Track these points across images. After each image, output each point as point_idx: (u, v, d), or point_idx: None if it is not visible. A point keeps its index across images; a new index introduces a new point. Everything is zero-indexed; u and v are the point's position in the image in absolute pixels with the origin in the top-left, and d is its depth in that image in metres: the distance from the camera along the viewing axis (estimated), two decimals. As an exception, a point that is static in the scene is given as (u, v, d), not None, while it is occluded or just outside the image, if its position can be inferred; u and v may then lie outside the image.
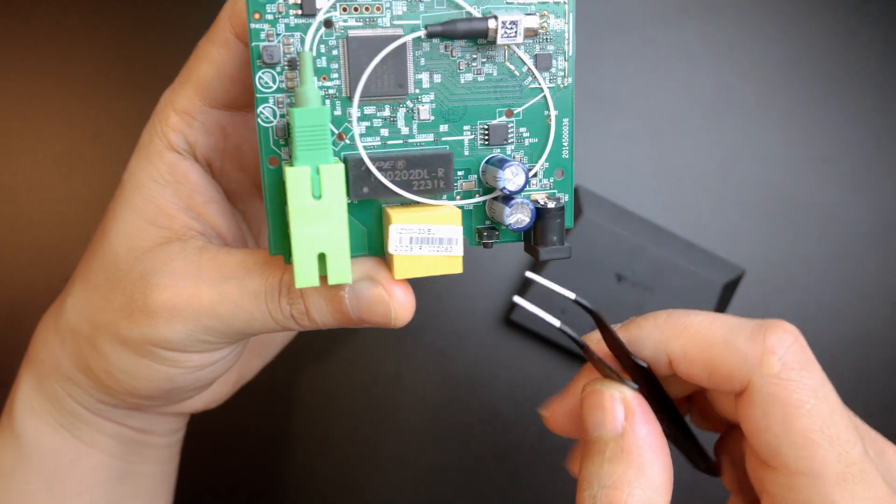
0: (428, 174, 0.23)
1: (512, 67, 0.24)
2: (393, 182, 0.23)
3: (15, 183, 0.42)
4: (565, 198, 0.25)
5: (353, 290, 0.24)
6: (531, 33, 0.23)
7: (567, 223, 0.25)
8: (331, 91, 0.23)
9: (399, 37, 0.22)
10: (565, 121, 0.25)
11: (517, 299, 0.23)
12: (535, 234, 0.24)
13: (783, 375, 0.21)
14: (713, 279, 0.41)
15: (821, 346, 0.43)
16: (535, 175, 0.25)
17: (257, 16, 0.22)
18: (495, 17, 0.22)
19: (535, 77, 0.24)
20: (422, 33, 0.22)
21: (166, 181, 0.26)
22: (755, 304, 0.43)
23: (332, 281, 0.22)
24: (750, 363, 0.21)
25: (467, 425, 0.44)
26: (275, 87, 0.22)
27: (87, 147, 0.42)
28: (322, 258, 0.22)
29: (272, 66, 0.22)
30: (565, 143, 0.25)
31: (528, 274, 0.24)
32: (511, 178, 0.23)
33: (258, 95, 0.22)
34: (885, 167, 0.43)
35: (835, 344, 0.43)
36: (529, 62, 0.24)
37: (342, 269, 0.22)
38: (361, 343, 0.43)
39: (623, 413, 0.22)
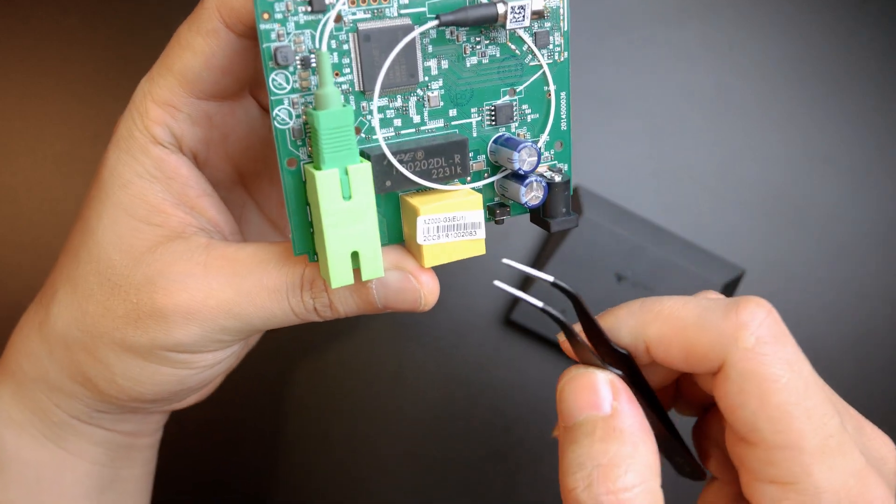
0: (446, 161, 0.24)
1: (513, 47, 0.24)
2: (413, 173, 0.23)
3: (15, 183, 0.42)
4: (565, 167, 0.26)
5: (381, 282, 0.24)
6: (537, 15, 0.23)
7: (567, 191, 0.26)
8: (344, 86, 0.23)
9: (409, 26, 0.23)
10: (563, 94, 0.25)
11: (498, 283, 0.23)
12: (544, 207, 0.25)
13: (757, 349, 0.20)
14: (713, 279, 0.41)
15: (821, 345, 0.43)
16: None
17: (266, 16, 0.21)
18: (504, 3, 0.23)
19: (535, 54, 0.24)
20: (434, 24, 0.22)
21: (154, 177, 0.25)
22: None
23: (365, 277, 0.23)
24: (724, 340, 0.21)
25: (467, 425, 0.43)
26: (289, 87, 0.22)
27: (87, 147, 0.42)
28: (354, 255, 0.22)
29: (285, 67, 0.22)
30: (563, 116, 0.26)
31: (506, 261, 0.24)
32: (526, 159, 0.24)
33: (273, 98, 0.22)
34: (885, 167, 0.43)
35: (835, 344, 0.43)
36: (530, 41, 0.24)
37: (375, 265, 0.23)
38: (361, 341, 0.43)
39: (611, 394, 0.22)
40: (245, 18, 0.23)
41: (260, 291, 0.24)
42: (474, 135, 0.25)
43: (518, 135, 0.25)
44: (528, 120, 0.25)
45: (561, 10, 0.24)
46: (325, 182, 0.21)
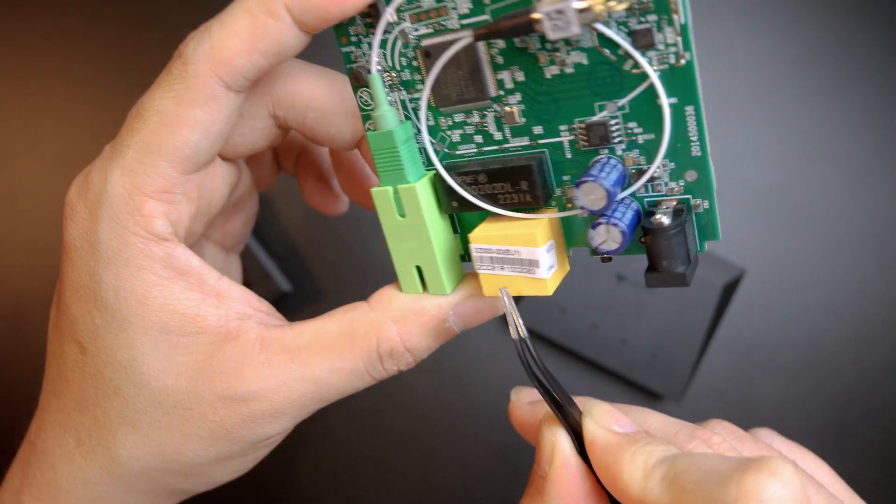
0: (512, 187, 0.20)
1: (605, 52, 0.18)
2: (479, 196, 0.21)
3: (15, 182, 0.42)
4: (705, 205, 0.19)
5: (457, 316, 0.22)
6: (592, 18, 0.17)
7: (709, 236, 0.19)
8: (421, 102, 0.21)
9: (458, 40, 0.19)
10: (689, 109, 0.18)
11: (503, 292, 0.21)
12: (648, 253, 0.19)
13: None
14: (713, 279, 0.39)
15: (821, 345, 0.43)
16: (652, 179, 0.19)
17: (344, 39, 0.21)
18: (538, 9, 0.17)
19: (636, 60, 0.18)
20: (470, 38, 0.19)
21: (169, 279, 0.22)
22: (755, 304, 0.43)
23: (431, 292, 0.22)
24: None
25: (467, 424, 0.42)
26: (374, 103, 0.22)
27: (87, 147, 0.39)
28: (420, 270, 0.22)
29: (365, 85, 0.22)
30: (693, 138, 0.18)
31: (503, 290, 0.21)
32: (586, 196, 0.18)
33: (362, 113, 0.23)
34: (885, 167, 0.43)
35: (835, 344, 0.43)
36: (625, 43, 0.17)
37: (437, 282, 0.22)
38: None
39: (549, 458, 0.20)
40: (248, 72, 0.20)
41: (338, 376, 0.22)
42: (568, 155, 0.20)
43: (626, 160, 0.19)
44: (640, 142, 0.19)
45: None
46: (379, 198, 0.22)
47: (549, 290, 0.20)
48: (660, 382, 0.40)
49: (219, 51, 0.20)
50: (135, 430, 0.23)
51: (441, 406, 0.43)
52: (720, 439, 0.20)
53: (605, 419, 0.19)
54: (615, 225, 0.18)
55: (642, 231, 0.19)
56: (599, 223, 0.19)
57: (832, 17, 0.42)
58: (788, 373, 0.42)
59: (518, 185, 0.20)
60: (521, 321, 0.20)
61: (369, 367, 0.22)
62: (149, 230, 0.21)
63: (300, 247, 0.43)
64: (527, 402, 0.24)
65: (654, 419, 0.21)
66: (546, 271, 0.20)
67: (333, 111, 0.23)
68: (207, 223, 0.25)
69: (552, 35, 0.17)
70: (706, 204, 0.19)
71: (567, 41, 0.18)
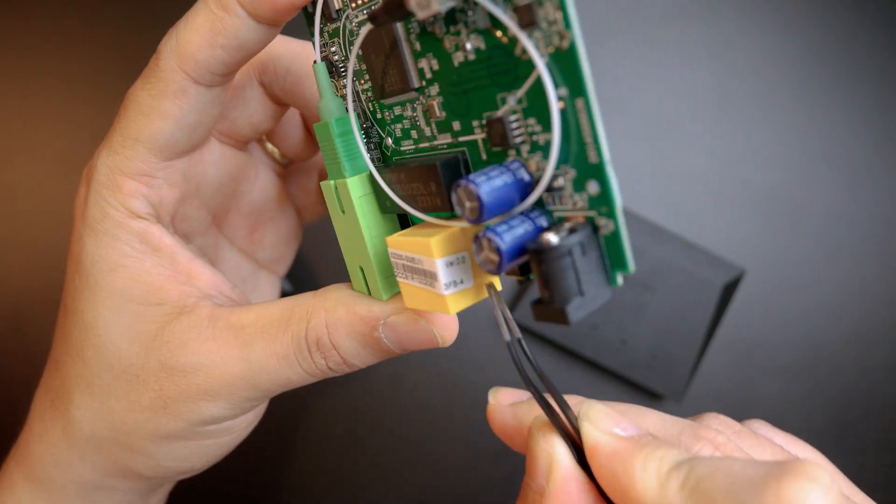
0: (424, 189, 0.19)
1: (497, 33, 0.16)
2: (403, 196, 0.20)
3: (15, 182, 0.42)
4: (610, 226, 0.15)
5: (388, 328, 0.21)
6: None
7: (618, 266, 0.16)
8: (369, 94, 0.21)
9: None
10: (579, 103, 0.15)
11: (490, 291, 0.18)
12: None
13: None
14: (713, 279, 0.39)
15: (821, 345, 0.43)
16: (553, 189, 0.16)
17: (313, 29, 0.21)
18: None
19: (521, 41, 0.15)
20: (368, 27, 0.18)
21: (142, 252, 0.23)
22: (755, 304, 0.43)
23: (373, 296, 0.21)
24: None
25: (466, 425, 0.41)
26: (319, 93, 0.22)
27: (87, 147, 0.40)
28: (363, 271, 0.21)
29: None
30: (588, 139, 0.15)
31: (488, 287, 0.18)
32: (461, 203, 0.16)
33: None
34: (885, 167, 0.43)
35: (835, 344, 0.43)
36: (509, 21, 0.15)
37: (375, 286, 0.21)
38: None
39: (547, 472, 0.18)
40: (213, 67, 0.21)
41: (269, 359, 0.22)
42: (483, 157, 0.18)
43: (528, 164, 0.16)
44: (541, 143, 0.16)
45: None
46: (325, 192, 0.21)
47: (450, 309, 0.18)
48: (660, 382, 0.40)
49: (183, 46, 0.20)
50: (89, 392, 0.24)
51: (440, 408, 0.43)
52: (724, 439, 0.19)
53: (604, 422, 0.17)
54: (490, 240, 0.16)
55: (504, 255, 0.16)
56: (478, 236, 0.16)
57: (832, 17, 0.42)
58: (788, 373, 0.42)
59: (428, 186, 0.18)
60: (511, 318, 0.18)
61: (298, 356, 0.22)
62: (127, 207, 0.22)
63: (300, 247, 0.43)
64: (508, 405, 0.22)
65: (653, 419, 0.20)
66: (444, 287, 0.17)
67: (307, 73, 0.25)
68: (206, 209, 0.26)
69: (420, 14, 0.15)
70: (611, 225, 0.15)
71: (465, 22, 0.17)
